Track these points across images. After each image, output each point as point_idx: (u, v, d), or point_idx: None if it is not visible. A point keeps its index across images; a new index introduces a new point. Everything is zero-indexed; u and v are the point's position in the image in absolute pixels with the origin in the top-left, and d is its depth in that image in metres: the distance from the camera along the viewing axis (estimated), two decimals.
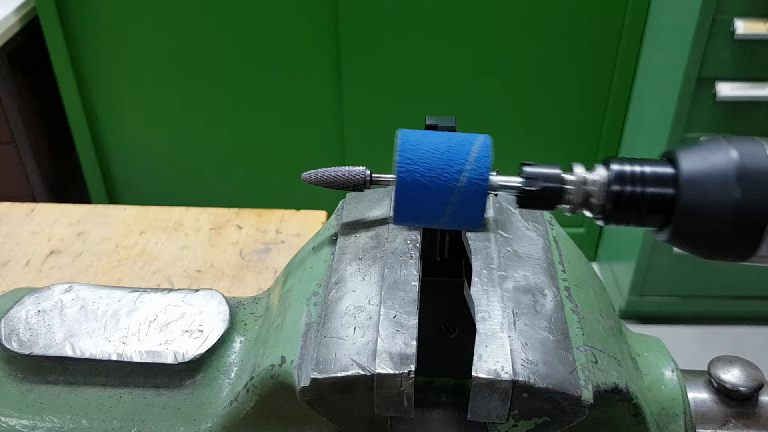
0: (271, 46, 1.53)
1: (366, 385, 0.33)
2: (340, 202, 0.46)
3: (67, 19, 1.51)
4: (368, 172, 0.43)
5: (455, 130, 0.40)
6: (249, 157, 1.69)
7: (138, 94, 1.62)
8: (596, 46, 1.52)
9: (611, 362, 0.36)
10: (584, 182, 0.29)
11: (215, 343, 0.41)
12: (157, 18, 1.51)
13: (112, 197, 1.76)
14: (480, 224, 0.30)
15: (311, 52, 1.53)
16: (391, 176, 0.43)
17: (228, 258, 0.75)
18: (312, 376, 0.34)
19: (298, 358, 0.36)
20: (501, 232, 0.42)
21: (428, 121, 0.41)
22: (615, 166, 0.29)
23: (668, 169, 0.29)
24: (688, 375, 0.41)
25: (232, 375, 0.40)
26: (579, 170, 0.30)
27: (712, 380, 0.40)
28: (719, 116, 1.37)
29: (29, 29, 1.54)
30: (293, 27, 1.50)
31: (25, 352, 0.41)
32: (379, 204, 0.45)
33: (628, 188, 0.29)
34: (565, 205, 0.30)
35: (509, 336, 0.35)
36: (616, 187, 0.29)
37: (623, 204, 0.29)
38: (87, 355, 0.41)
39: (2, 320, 0.43)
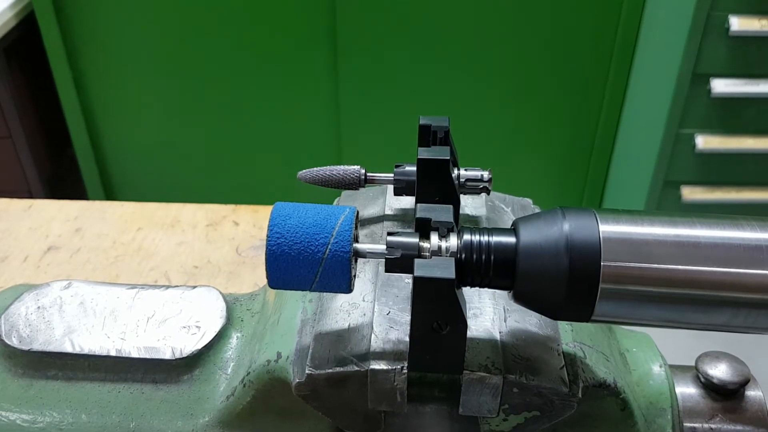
0: (269, 44, 1.53)
1: (360, 380, 0.34)
2: (336, 200, 0.47)
3: (63, 14, 1.51)
4: (363, 171, 0.44)
5: (448, 130, 0.41)
6: (246, 153, 1.69)
7: (134, 89, 1.62)
8: (591, 43, 1.53)
9: (600, 358, 0.37)
10: (438, 250, 0.32)
11: (212, 339, 0.42)
12: (154, 13, 1.51)
13: (109, 192, 1.76)
14: (348, 289, 0.33)
15: (308, 50, 1.54)
16: (385, 175, 0.44)
17: (225, 254, 0.76)
18: (307, 372, 0.34)
19: (293, 354, 0.37)
20: None
21: (422, 121, 0.41)
22: (465, 236, 0.33)
23: (511, 239, 0.32)
24: (676, 370, 0.42)
25: (229, 370, 0.41)
26: (434, 239, 0.33)
27: (700, 375, 0.41)
28: (714, 112, 1.38)
29: (26, 24, 1.54)
30: (291, 25, 1.51)
31: (25, 348, 0.42)
32: (374, 202, 0.45)
33: (475, 256, 0.32)
34: None
35: (500, 332, 0.35)
36: (464, 255, 0.32)
37: (472, 270, 0.32)
38: (86, 351, 0.41)
39: (2, 316, 0.44)
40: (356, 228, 0.34)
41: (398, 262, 0.32)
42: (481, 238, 0.32)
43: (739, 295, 0.30)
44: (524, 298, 0.32)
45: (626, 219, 0.31)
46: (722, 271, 0.30)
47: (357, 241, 0.33)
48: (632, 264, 0.30)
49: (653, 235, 0.31)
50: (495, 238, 0.32)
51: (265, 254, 0.32)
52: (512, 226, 0.33)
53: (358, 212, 0.34)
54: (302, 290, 0.34)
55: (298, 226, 0.32)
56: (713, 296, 0.30)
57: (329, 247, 0.32)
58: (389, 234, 0.33)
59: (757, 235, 0.30)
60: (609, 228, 0.31)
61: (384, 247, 0.33)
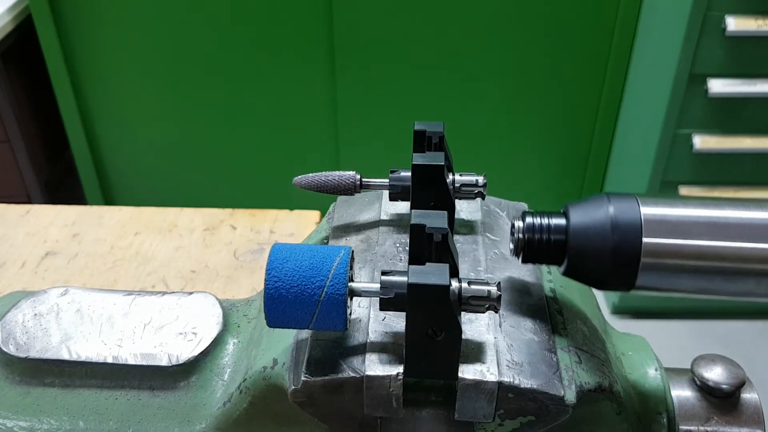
0: (267, 50, 1.54)
1: (356, 386, 0.34)
2: (332, 206, 0.47)
3: (60, 18, 1.51)
4: (358, 176, 0.44)
5: (443, 136, 0.41)
6: (243, 157, 1.69)
7: (132, 93, 1.62)
8: (588, 44, 1.53)
9: (595, 362, 0.37)
10: None
11: (209, 346, 0.42)
12: (152, 17, 1.51)
13: (107, 196, 1.76)
14: (344, 327, 0.34)
15: (306, 55, 1.54)
16: (381, 180, 0.44)
17: (222, 258, 0.76)
18: (303, 379, 0.34)
19: (289, 361, 0.37)
20: (488, 234, 0.43)
21: (417, 127, 0.42)
22: (528, 219, 0.37)
23: (562, 221, 0.36)
24: (672, 373, 0.42)
25: (226, 377, 0.41)
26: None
27: (695, 378, 0.41)
28: (711, 112, 1.38)
29: (23, 28, 1.54)
30: (289, 31, 1.51)
31: (23, 355, 0.42)
32: (369, 207, 0.45)
33: (537, 236, 0.36)
34: None
35: (495, 337, 0.35)
36: (527, 236, 0.37)
37: (533, 248, 0.36)
38: (83, 358, 0.41)
39: None
40: (351, 267, 0.34)
41: (392, 301, 0.33)
42: (542, 221, 0.36)
43: (763, 267, 0.34)
44: (574, 271, 0.36)
45: (664, 202, 0.35)
46: (748, 246, 0.34)
47: (352, 280, 0.34)
48: (670, 240, 0.34)
49: (688, 215, 0.35)
50: (551, 221, 0.36)
51: (264, 297, 0.34)
52: (562, 210, 0.37)
53: (353, 252, 0.35)
54: (300, 329, 0.35)
55: (295, 270, 0.34)
56: (740, 268, 0.34)
57: (325, 289, 0.33)
58: (383, 273, 0.34)
59: None
60: (649, 210, 0.35)
61: (378, 286, 0.33)
